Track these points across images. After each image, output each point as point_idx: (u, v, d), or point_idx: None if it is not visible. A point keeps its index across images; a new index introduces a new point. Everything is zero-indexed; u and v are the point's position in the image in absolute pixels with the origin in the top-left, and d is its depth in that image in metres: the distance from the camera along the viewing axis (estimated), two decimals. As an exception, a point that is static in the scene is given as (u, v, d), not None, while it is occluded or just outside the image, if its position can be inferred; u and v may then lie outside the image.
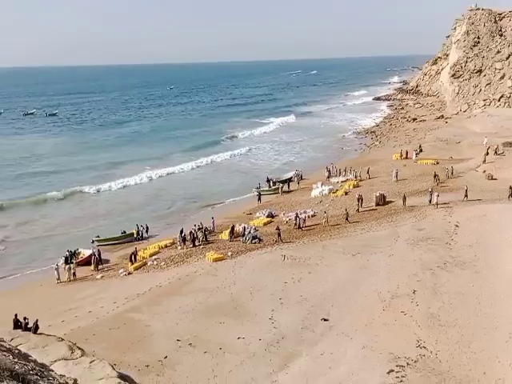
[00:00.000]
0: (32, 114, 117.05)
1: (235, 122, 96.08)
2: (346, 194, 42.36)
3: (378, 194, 38.67)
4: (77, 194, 46.51)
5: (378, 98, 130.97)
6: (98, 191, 47.79)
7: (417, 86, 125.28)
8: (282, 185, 46.45)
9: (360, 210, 36.93)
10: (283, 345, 18.86)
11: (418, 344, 18.37)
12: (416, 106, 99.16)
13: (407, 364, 17.20)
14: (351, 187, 44.24)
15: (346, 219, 34.42)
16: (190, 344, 19.25)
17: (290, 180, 48.36)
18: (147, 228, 36.15)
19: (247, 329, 20.21)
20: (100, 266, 30.22)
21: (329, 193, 43.04)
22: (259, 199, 42.38)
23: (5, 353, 7.83)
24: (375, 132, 77.08)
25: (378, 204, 38.05)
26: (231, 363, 17.80)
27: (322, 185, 44.74)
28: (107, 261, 31.44)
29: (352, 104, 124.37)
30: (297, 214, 35.86)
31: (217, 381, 16.85)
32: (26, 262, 31.65)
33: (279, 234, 31.53)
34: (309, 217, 36.14)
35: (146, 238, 35.57)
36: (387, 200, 38.74)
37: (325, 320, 20.54)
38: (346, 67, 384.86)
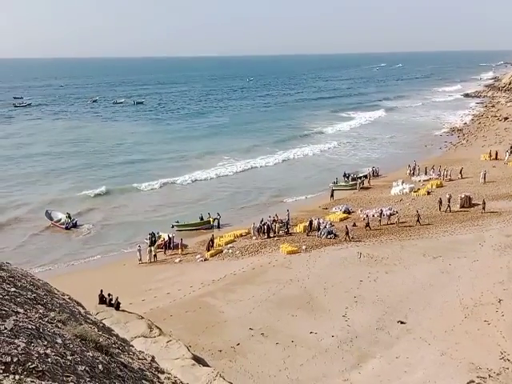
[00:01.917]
0: (121, 102, 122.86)
1: (318, 115, 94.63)
2: (429, 193, 40.61)
3: (463, 196, 36.74)
4: (166, 184, 47.84)
5: (467, 95, 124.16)
6: (184, 181, 49.11)
7: (510, 83, 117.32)
8: (360, 180, 45.48)
9: (449, 210, 35.30)
10: (356, 344, 18.49)
11: (501, 356, 17.30)
12: (508, 104, 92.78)
13: (489, 376, 16.25)
14: (434, 187, 42.36)
15: (417, 221, 33.07)
16: (263, 334, 19.41)
17: (365, 176, 47.26)
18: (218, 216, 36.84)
19: (320, 324, 20.03)
20: (168, 252, 31.30)
21: (410, 191, 41.48)
22: (332, 195, 41.51)
23: (91, 325, 8.19)
24: (462, 130, 73.14)
25: (462, 206, 36.13)
26: (303, 357, 17.73)
27: (402, 183, 43.22)
28: (185, 246, 32.35)
29: (438, 100, 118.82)
30: (381, 210, 34.90)
31: (287, 373, 16.85)
32: (114, 242, 33.41)
33: (347, 232, 30.94)
34: (391, 215, 34.99)
35: (222, 227, 36.25)
36: (473, 202, 36.67)
37: (401, 323, 19.89)
38: (434, 61, 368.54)
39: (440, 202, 35.81)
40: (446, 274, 24.43)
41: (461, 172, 45.17)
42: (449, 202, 35.67)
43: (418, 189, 41.97)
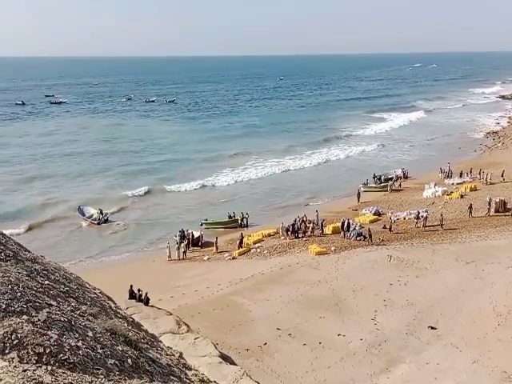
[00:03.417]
0: (153, 101, 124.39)
1: (352, 116, 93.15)
2: (462, 197, 39.65)
3: (497, 200, 35.71)
4: (199, 184, 47.84)
5: (503, 97, 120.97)
6: (217, 182, 49.19)
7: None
8: (391, 182, 44.81)
9: (489, 214, 34.62)
10: (385, 348, 18.19)
11: (536, 366, 16.70)
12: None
13: (523, 386, 15.72)
14: (468, 190, 41.32)
15: (441, 225, 32.33)
16: (290, 334, 19.31)
17: (394, 178, 46.54)
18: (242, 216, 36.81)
19: (348, 326, 19.79)
20: (191, 248, 31.55)
21: (442, 194, 40.61)
22: (358, 198, 40.62)
23: (121, 320, 8.24)
24: (498, 133, 71.34)
25: (497, 211, 35.14)
26: (330, 359, 17.54)
27: (435, 185, 42.34)
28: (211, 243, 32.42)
29: (473, 102, 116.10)
30: (418, 212, 34.26)
31: (315, 375, 16.70)
32: (145, 239, 33.92)
33: (370, 236, 30.41)
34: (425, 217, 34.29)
35: (250, 226, 36.25)
36: (508, 207, 35.61)
37: (432, 328, 19.47)
38: (469, 62, 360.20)
39: (470, 208, 34.88)
40: (479, 279, 23.80)
41: (502, 175, 43.75)
42: (489, 205, 34.84)
43: (451, 192, 41.04)
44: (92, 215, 37.25)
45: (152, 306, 18.77)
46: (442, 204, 38.17)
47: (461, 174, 46.35)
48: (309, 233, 33.14)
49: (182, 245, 30.62)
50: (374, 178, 46.57)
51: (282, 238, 32.63)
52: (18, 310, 5.25)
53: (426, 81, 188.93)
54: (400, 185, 45.39)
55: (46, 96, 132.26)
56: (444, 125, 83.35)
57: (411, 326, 19.76)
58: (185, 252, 30.40)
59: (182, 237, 32.06)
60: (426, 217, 33.88)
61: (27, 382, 4.08)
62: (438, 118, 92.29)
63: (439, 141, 68.75)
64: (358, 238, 31.23)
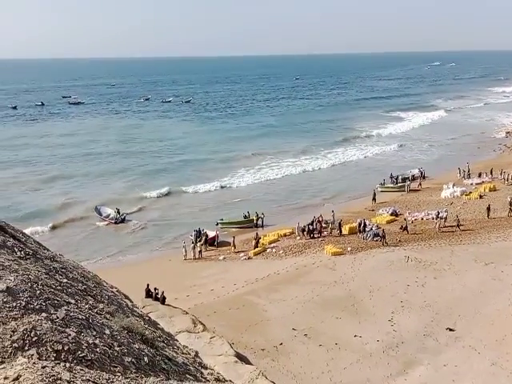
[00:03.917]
0: (169, 101, 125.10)
1: (370, 116, 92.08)
2: (481, 197, 39.10)
3: (516, 200, 35.17)
4: (217, 185, 47.75)
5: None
6: (233, 183, 49.17)
7: None
8: (408, 182, 44.38)
9: (511, 214, 34.21)
10: (403, 350, 18.03)
11: (556, 369, 16.40)
12: None
13: (542, 390, 15.46)
14: (487, 190, 40.74)
15: (457, 226, 31.98)
16: (306, 335, 19.26)
17: (409, 178, 46.08)
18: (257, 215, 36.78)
19: (365, 328, 19.67)
20: (209, 247, 31.81)
21: (461, 195, 40.10)
22: (374, 199, 39.96)
23: (137, 318, 8.31)
24: (518, 132, 70.19)
25: (516, 211, 34.63)
26: (346, 360, 17.45)
27: (453, 186, 41.83)
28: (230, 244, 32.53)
29: (493, 101, 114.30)
30: (438, 212, 33.93)
31: (331, 375, 16.64)
32: (161, 238, 34.16)
33: (384, 236, 30.07)
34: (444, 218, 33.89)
35: (265, 226, 36.22)
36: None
37: (450, 330, 19.24)
38: (489, 60, 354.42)
39: (488, 209, 34.40)
40: (498, 281, 23.45)
41: None
42: (510, 205, 34.41)
43: (470, 192, 40.51)
44: (109, 215, 37.73)
45: (168, 305, 18.92)
46: (460, 204, 37.71)
47: (480, 174, 45.73)
48: (325, 233, 33.05)
49: (199, 244, 30.79)
50: (391, 178, 46.20)
51: (298, 238, 32.56)
52: (37, 307, 5.34)
53: (446, 79, 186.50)
54: (420, 184, 44.94)
55: (64, 97, 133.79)
56: (463, 124, 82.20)
57: (429, 327, 19.56)
58: (201, 251, 30.56)
59: (198, 236, 32.22)
60: (446, 217, 33.55)
61: (46, 378, 4.14)
62: (457, 117, 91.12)
63: (458, 140, 67.89)
64: (375, 239, 31.00)
